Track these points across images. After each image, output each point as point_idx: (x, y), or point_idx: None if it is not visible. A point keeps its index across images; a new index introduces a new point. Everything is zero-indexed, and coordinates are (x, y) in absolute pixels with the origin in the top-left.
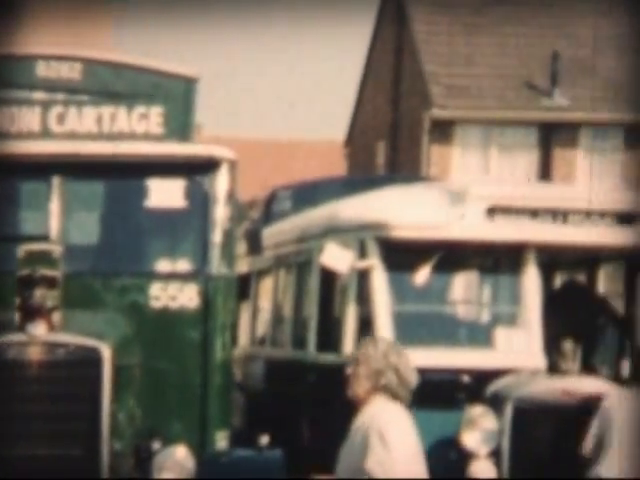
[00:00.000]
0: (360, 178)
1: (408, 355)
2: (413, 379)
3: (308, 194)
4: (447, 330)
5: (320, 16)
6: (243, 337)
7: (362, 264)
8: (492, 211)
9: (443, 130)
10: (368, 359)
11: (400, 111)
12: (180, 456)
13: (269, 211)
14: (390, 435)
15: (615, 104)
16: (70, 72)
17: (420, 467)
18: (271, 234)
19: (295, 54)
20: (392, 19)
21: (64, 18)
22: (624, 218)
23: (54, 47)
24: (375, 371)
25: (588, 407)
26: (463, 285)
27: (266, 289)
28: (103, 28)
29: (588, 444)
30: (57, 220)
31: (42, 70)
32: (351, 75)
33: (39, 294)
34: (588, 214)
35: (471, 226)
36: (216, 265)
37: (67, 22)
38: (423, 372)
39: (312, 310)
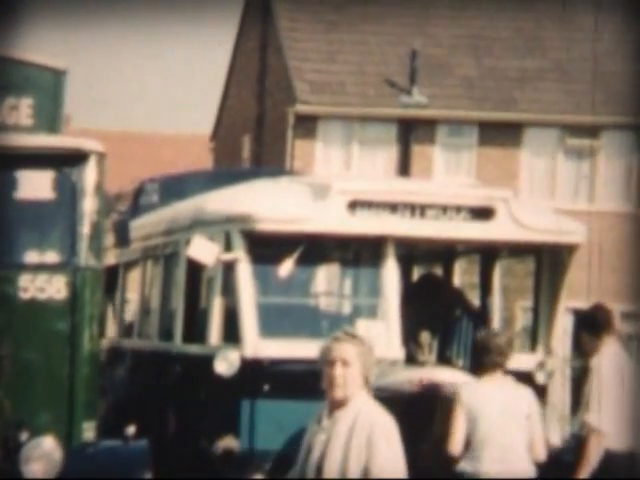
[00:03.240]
0: (226, 171)
1: None
2: None
3: (175, 187)
4: (309, 322)
5: (187, 10)
6: (110, 329)
7: (227, 256)
8: (353, 205)
9: (306, 125)
10: (360, 357)
11: (265, 106)
12: (48, 447)
13: (137, 203)
14: (395, 433)
15: (470, 102)
16: None
17: None
18: (139, 226)
19: (162, 47)
20: (257, 15)
21: None
22: (479, 213)
23: None
24: (367, 368)
25: (442, 397)
26: (325, 277)
27: (134, 281)
28: None
29: (457, 443)
30: None
31: None
32: (218, 69)
33: None
34: (444, 209)
35: (333, 220)
36: (84, 257)
37: None
38: (287, 363)
39: (179, 302)
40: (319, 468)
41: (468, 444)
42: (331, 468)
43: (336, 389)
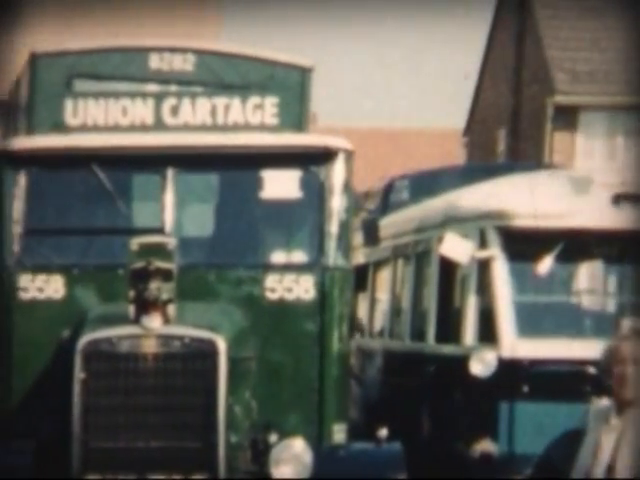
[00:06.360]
0: (479, 166)
1: None
2: None
3: (426, 183)
4: (571, 320)
5: (439, 2)
6: (361, 329)
7: (483, 254)
8: (618, 199)
9: (567, 117)
10: None
11: (522, 98)
12: (298, 449)
13: (386, 201)
14: None
15: None
16: (183, 64)
17: None
18: (388, 224)
19: (413, 41)
20: (514, 4)
21: (172, 9)
22: None
23: (167, 39)
24: None
25: None
26: (587, 274)
27: (383, 280)
28: (211, 19)
29: None
30: (171, 212)
31: (155, 62)
32: (470, 62)
33: (154, 287)
34: None
35: (595, 215)
36: (332, 256)
37: (175, 13)
38: (547, 363)
39: (431, 301)
40: (610, 468)
41: None
42: (625, 468)
43: (628, 388)
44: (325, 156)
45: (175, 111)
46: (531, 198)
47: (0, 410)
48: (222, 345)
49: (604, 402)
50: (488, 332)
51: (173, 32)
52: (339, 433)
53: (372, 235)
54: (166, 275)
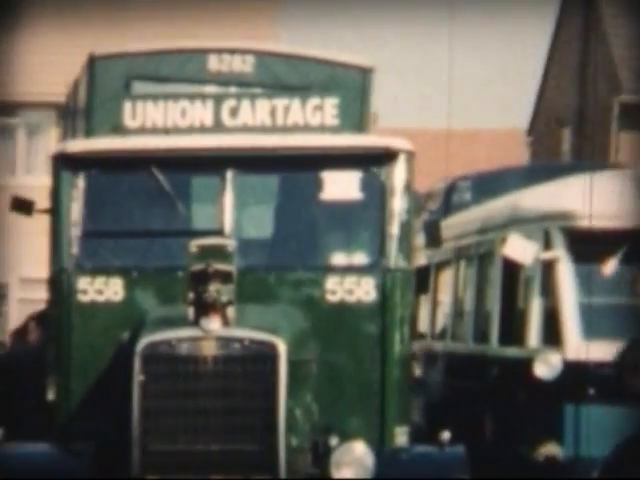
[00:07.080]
0: (543, 167)
1: None
2: None
3: (489, 184)
4: (637, 322)
5: (502, 1)
6: (422, 331)
7: (547, 255)
8: None
9: (633, 116)
10: None
11: (587, 97)
12: (359, 452)
13: (449, 202)
14: None
15: None
16: (242, 65)
17: None
18: (450, 225)
19: (475, 40)
20: (579, 2)
21: (228, 10)
22: None
23: (226, 41)
24: None
25: None
26: None
27: (445, 282)
28: (266, 19)
29: None
30: (230, 214)
31: (214, 64)
32: (533, 61)
33: (213, 289)
34: None
35: None
36: (394, 258)
37: (229, 14)
38: (611, 366)
39: (494, 303)
40: None
41: None
42: None
43: None
44: (386, 157)
45: (234, 112)
46: (597, 198)
47: (60, 412)
48: (282, 347)
49: None
50: (552, 334)
51: (225, 32)
52: (401, 436)
53: (434, 236)
54: (225, 277)
